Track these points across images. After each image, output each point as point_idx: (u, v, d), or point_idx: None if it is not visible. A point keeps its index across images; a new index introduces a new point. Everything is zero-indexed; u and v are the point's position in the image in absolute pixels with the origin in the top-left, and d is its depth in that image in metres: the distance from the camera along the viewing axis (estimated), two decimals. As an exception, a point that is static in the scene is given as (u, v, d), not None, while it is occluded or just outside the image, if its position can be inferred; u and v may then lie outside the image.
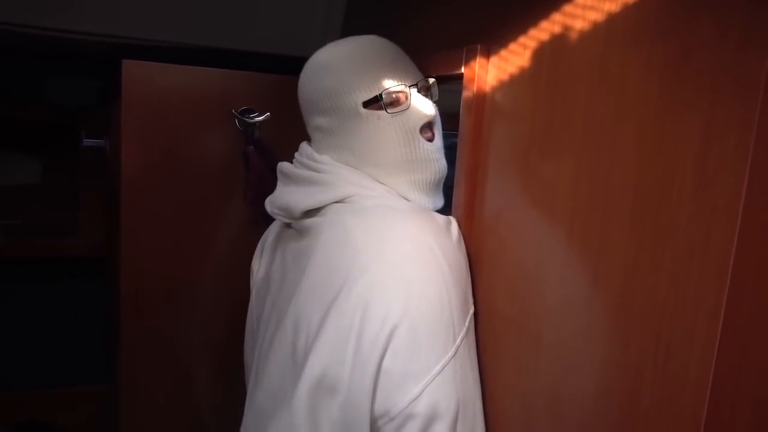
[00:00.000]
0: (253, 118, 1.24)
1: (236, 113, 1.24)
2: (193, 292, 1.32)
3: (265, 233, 1.13)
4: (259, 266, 1.11)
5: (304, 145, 0.99)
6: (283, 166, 0.98)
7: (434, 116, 0.93)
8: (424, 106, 0.91)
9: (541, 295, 0.76)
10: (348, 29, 1.40)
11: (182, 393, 1.36)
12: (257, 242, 1.15)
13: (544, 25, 0.75)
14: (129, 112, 1.18)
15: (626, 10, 0.62)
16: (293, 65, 1.03)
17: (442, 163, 0.94)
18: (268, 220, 1.14)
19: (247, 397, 0.99)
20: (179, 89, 1.22)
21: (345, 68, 0.90)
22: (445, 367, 0.75)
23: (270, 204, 0.99)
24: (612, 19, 0.64)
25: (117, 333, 1.33)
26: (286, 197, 0.95)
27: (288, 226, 1.01)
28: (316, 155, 0.94)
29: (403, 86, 0.90)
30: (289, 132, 1.07)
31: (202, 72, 1.24)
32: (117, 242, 1.42)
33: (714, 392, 0.53)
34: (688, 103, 0.55)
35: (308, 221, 0.92)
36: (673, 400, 0.57)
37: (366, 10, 1.33)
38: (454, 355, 0.76)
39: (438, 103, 0.96)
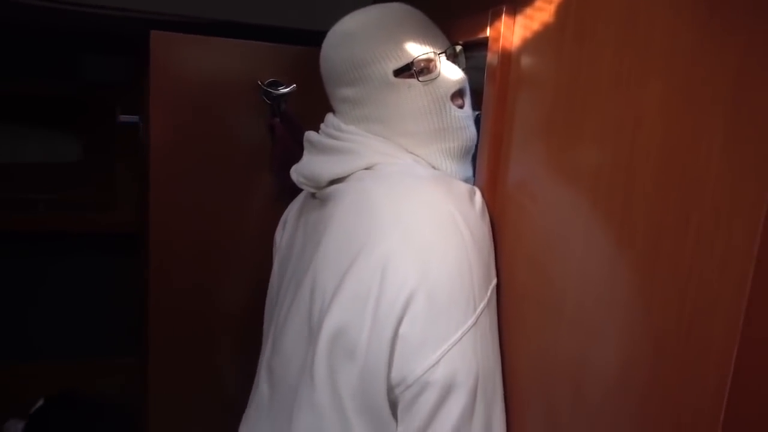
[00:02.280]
0: (279, 90, 1.24)
1: (262, 85, 1.24)
2: (220, 262, 1.34)
3: (290, 205, 1.13)
4: (281, 238, 1.11)
5: (329, 116, 0.98)
6: (311, 135, 0.98)
7: (464, 82, 0.91)
8: (453, 73, 0.90)
9: (564, 265, 0.74)
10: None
11: (208, 361, 1.39)
12: (282, 213, 1.16)
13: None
14: (157, 82, 1.19)
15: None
16: (317, 38, 1.02)
17: (473, 131, 0.92)
18: (294, 191, 1.14)
19: (264, 366, 1.00)
20: (206, 60, 1.23)
21: (374, 37, 0.88)
22: (464, 335, 0.74)
23: (296, 173, 0.99)
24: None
25: (146, 304, 1.35)
26: (312, 166, 0.95)
27: (312, 196, 1.00)
28: (343, 125, 0.93)
29: (433, 53, 0.88)
30: (315, 104, 1.06)
31: (229, 43, 1.24)
32: (147, 215, 1.46)
33: (739, 362, 0.50)
34: (718, 57, 0.52)
35: (331, 188, 0.91)
36: (696, 371, 0.54)
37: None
38: (474, 325, 0.75)
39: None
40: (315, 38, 1.06)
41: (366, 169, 0.88)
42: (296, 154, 1.09)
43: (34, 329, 2.13)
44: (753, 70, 0.48)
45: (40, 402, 2.00)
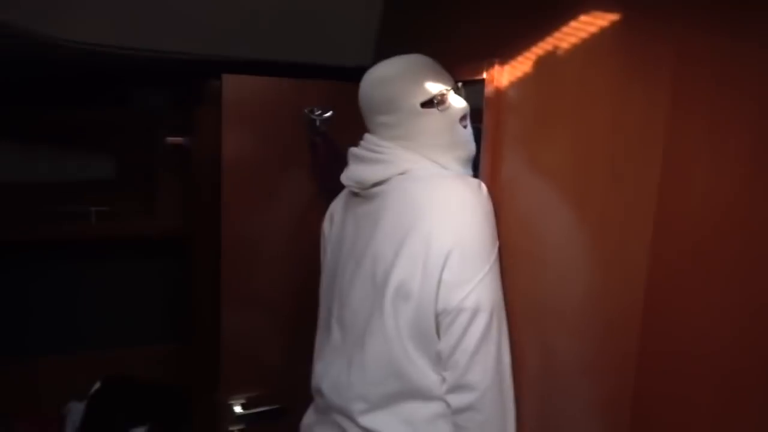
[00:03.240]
0: (320, 115, 1.61)
1: (307, 111, 1.61)
2: (276, 249, 1.70)
3: (333, 204, 1.49)
4: (330, 229, 1.47)
5: (368, 136, 1.33)
6: (355, 150, 1.33)
7: (467, 109, 1.29)
8: (459, 103, 1.27)
9: (544, 231, 1.12)
10: (383, 43, 1.76)
11: (270, 329, 1.75)
12: (323, 211, 1.52)
13: (541, 43, 1.10)
14: (228, 114, 1.55)
15: (598, 34, 0.97)
16: (338, 73, 1.36)
17: (473, 144, 1.30)
18: (332, 193, 1.51)
19: (335, 320, 1.36)
20: (262, 95, 1.59)
21: (404, 79, 1.24)
22: (484, 277, 1.12)
23: (346, 178, 1.34)
24: (588, 40, 0.99)
25: (218, 291, 1.69)
26: (358, 173, 1.30)
27: (355, 195, 1.37)
28: (381, 142, 1.29)
29: (446, 90, 1.26)
30: (345, 126, 1.42)
31: (280, 81, 1.61)
32: (206, 220, 1.80)
33: (651, 276, 0.89)
34: (631, 96, 0.92)
35: (376, 189, 1.28)
36: (624, 288, 0.93)
37: (400, 29, 1.69)
38: (489, 271, 1.13)
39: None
40: (344, 74, 1.43)
41: (401, 174, 1.26)
42: (333, 166, 1.46)
43: (89, 322, 2.45)
44: (644, 102, 0.88)
45: (98, 384, 2.30)
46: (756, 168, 0.73)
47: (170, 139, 2.05)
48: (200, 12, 1.61)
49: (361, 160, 1.31)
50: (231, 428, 1.74)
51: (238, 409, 1.75)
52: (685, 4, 0.82)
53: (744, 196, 0.74)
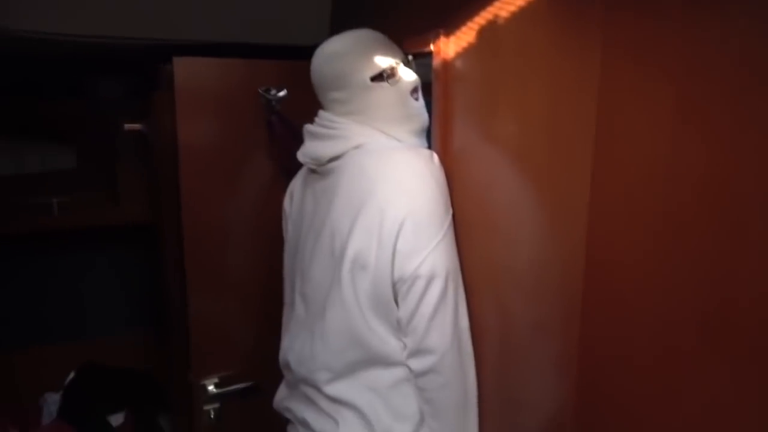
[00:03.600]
0: (275, 95, 1.62)
1: (261, 91, 1.62)
2: (239, 230, 1.71)
3: (292, 182, 1.52)
4: (291, 206, 1.49)
5: (322, 112, 1.35)
6: (310, 127, 1.35)
7: (417, 81, 1.31)
8: (409, 76, 1.30)
9: (493, 198, 1.16)
10: (337, 21, 1.77)
11: (237, 309, 1.77)
12: (285, 190, 1.54)
13: (483, 13, 1.13)
14: (182, 98, 1.55)
15: (534, 2, 1.01)
16: (291, 52, 1.36)
17: (426, 116, 1.33)
18: (291, 171, 1.54)
19: (297, 294, 1.39)
20: (216, 77, 1.59)
21: (354, 54, 1.26)
22: (438, 244, 1.16)
23: (302, 155, 1.36)
24: (525, 8, 1.02)
25: (183, 273, 1.71)
26: (314, 149, 1.33)
27: (312, 171, 1.39)
28: (335, 118, 1.31)
29: (395, 63, 1.28)
30: (301, 105, 1.44)
31: (233, 62, 1.60)
32: (169, 206, 1.80)
33: (591, 233, 0.94)
34: (565, 61, 0.95)
35: (331, 165, 1.30)
36: (566, 250, 0.98)
37: (353, 6, 1.70)
38: (442, 238, 1.17)
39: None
40: (300, 53, 1.44)
41: (355, 148, 1.28)
42: (290, 144, 1.48)
43: (56, 315, 2.44)
44: (576, 71, 0.92)
45: (72, 374, 2.31)
46: (680, 118, 0.77)
47: (128, 127, 2.04)
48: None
49: (316, 136, 1.33)
50: (206, 407, 1.77)
51: (211, 388, 1.78)
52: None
53: (671, 146, 0.79)
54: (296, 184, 1.49)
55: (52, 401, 2.28)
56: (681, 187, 0.78)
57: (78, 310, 2.49)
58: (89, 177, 2.38)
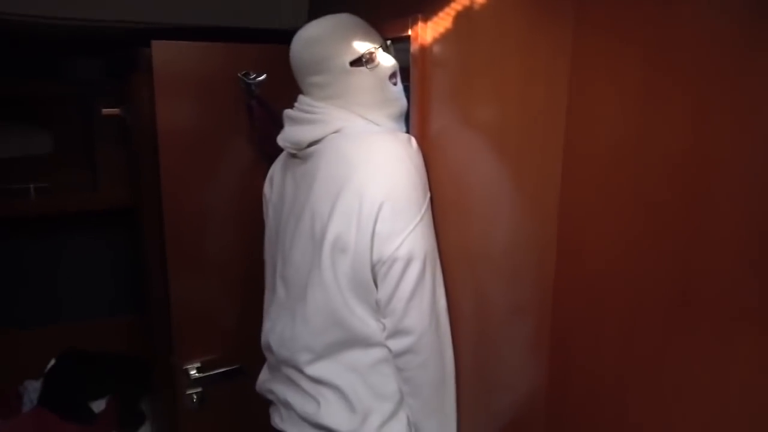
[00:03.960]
0: (254, 78, 1.62)
1: (240, 75, 1.61)
2: (220, 214, 1.72)
3: (273, 166, 1.52)
4: (271, 190, 1.50)
5: (301, 97, 1.36)
6: (289, 112, 1.35)
7: (396, 67, 1.32)
8: (388, 61, 1.31)
9: (469, 181, 1.18)
10: (315, 6, 1.77)
11: (219, 293, 1.78)
12: (265, 174, 1.55)
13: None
14: (160, 82, 1.54)
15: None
16: (270, 36, 1.37)
17: (404, 101, 1.34)
18: (272, 156, 1.54)
19: (278, 277, 1.41)
20: (195, 60, 1.58)
21: (333, 39, 1.27)
22: (415, 227, 1.18)
23: (282, 140, 1.37)
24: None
25: (164, 257, 1.71)
26: (294, 134, 1.33)
27: (293, 156, 1.40)
28: (314, 102, 1.32)
29: (374, 48, 1.29)
30: (280, 89, 1.44)
31: (212, 46, 1.60)
32: (149, 190, 1.80)
33: (562, 215, 0.96)
34: (538, 46, 0.97)
35: (311, 149, 1.31)
36: (538, 232, 1.01)
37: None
38: (420, 221, 1.19)
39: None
40: (279, 37, 1.44)
41: (334, 132, 1.29)
42: (270, 129, 1.48)
43: (39, 299, 2.43)
44: (549, 57, 0.94)
45: (53, 361, 2.30)
46: (649, 101, 0.79)
47: (106, 111, 2.02)
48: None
49: (296, 121, 1.34)
50: (188, 392, 1.78)
51: (194, 372, 1.79)
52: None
53: (639, 129, 0.81)
54: (276, 168, 1.50)
55: (33, 389, 2.27)
56: (649, 169, 0.80)
57: (59, 295, 2.48)
58: (67, 161, 2.36)
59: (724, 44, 0.70)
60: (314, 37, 1.30)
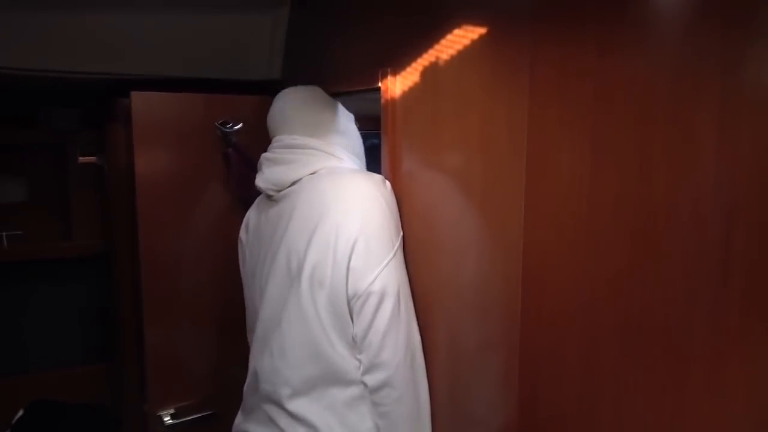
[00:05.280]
0: (231, 127, 1.68)
1: (218, 125, 1.67)
2: (195, 259, 1.74)
3: (248, 212, 1.57)
4: (247, 234, 1.55)
5: (279, 136, 1.44)
6: (267, 155, 1.43)
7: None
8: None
9: (439, 219, 1.23)
10: (289, 58, 1.85)
11: (194, 338, 1.79)
12: (240, 219, 1.60)
13: (425, 55, 1.23)
14: (139, 131, 1.59)
15: (469, 45, 1.11)
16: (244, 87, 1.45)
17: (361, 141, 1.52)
18: (247, 203, 1.59)
19: (255, 318, 1.43)
20: (173, 110, 1.64)
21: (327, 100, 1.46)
22: (388, 263, 1.23)
23: (263, 181, 1.43)
24: (462, 50, 1.12)
25: (138, 303, 1.72)
26: (274, 174, 1.40)
27: (268, 198, 1.45)
28: (295, 138, 1.41)
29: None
30: (253, 137, 1.51)
31: (189, 97, 1.66)
32: (123, 236, 1.82)
33: (526, 252, 1.03)
34: (498, 95, 1.05)
35: (287, 190, 1.38)
36: (504, 269, 1.07)
37: (305, 45, 1.79)
38: (393, 257, 1.24)
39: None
40: (252, 88, 1.51)
41: (311, 174, 1.36)
42: (248, 175, 1.53)
43: (8, 348, 2.38)
44: (510, 102, 1.02)
45: (20, 413, 2.25)
46: (596, 150, 0.87)
47: (83, 159, 2.05)
48: (108, 31, 1.64)
49: (276, 162, 1.42)
50: (162, 439, 1.77)
51: (167, 419, 1.78)
52: (536, 22, 0.96)
53: (589, 175, 0.88)
54: (251, 213, 1.55)
55: (-1, 440, 2.21)
56: (600, 209, 0.87)
57: (26, 343, 2.43)
58: (41, 209, 2.36)
59: (659, 94, 0.78)
60: (311, 97, 1.45)
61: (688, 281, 0.77)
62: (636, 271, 0.83)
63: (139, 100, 1.58)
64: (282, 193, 1.39)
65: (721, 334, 0.74)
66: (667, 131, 0.78)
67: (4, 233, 2.24)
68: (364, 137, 1.57)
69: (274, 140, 1.45)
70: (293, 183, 1.37)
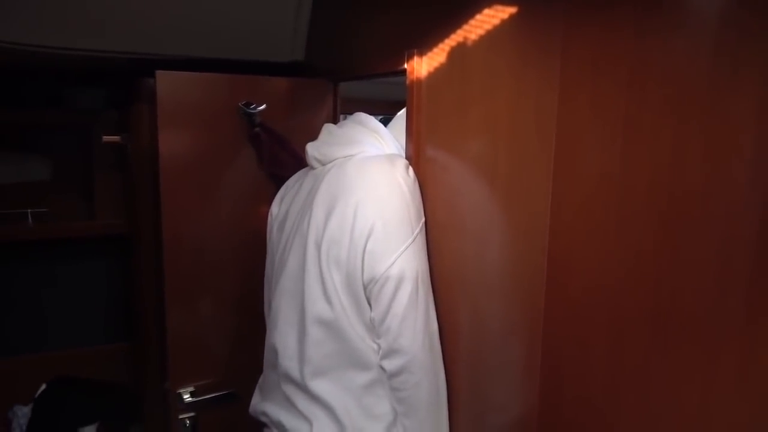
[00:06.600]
0: (254, 108, 1.67)
1: (241, 105, 1.67)
2: (218, 240, 1.75)
3: (286, 184, 1.57)
4: (279, 207, 1.54)
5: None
6: (330, 126, 1.47)
7: None
8: None
9: (462, 203, 1.23)
10: (314, 39, 1.84)
11: (215, 318, 1.80)
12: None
13: (453, 36, 1.21)
14: (163, 111, 1.59)
15: (499, 26, 1.09)
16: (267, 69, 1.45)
17: None
18: (281, 179, 1.59)
19: (274, 291, 1.43)
20: (198, 91, 1.64)
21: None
22: (407, 248, 1.23)
23: (313, 148, 1.45)
24: (491, 31, 1.10)
25: (159, 283, 1.73)
26: (325, 149, 1.42)
27: (311, 170, 1.45)
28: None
29: None
30: (277, 119, 1.50)
31: (215, 77, 1.66)
32: (146, 217, 1.83)
33: (551, 237, 1.02)
34: (528, 78, 1.03)
35: (328, 165, 1.39)
36: (529, 252, 1.06)
37: (329, 27, 1.78)
38: (412, 242, 1.24)
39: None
40: (277, 69, 1.50)
41: (347, 156, 1.37)
42: (279, 153, 1.53)
43: (31, 324, 2.43)
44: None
45: (43, 386, 2.29)
46: (629, 132, 0.85)
47: (106, 138, 2.07)
48: (133, 11, 1.64)
49: (334, 136, 1.45)
50: (181, 416, 1.79)
51: (187, 397, 1.80)
52: (570, 1, 0.94)
53: (621, 157, 0.87)
54: (289, 183, 1.56)
55: (22, 414, 2.25)
56: (631, 196, 0.86)
57: (49, 320, 2.48)
58: (65, 188, 2.39)
59: (697, 79, 0.76)
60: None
61: (721, 271, 0.75)
62: (666, 258, 0.82)
63: (164, 79, 1.58)
64: (326, 167, 1.40)
65: (753, 324, 0.73)
66: (703, 118, 0.76)
67: (29, 211, 2.27)
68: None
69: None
70: (335, 159, 1.38)
